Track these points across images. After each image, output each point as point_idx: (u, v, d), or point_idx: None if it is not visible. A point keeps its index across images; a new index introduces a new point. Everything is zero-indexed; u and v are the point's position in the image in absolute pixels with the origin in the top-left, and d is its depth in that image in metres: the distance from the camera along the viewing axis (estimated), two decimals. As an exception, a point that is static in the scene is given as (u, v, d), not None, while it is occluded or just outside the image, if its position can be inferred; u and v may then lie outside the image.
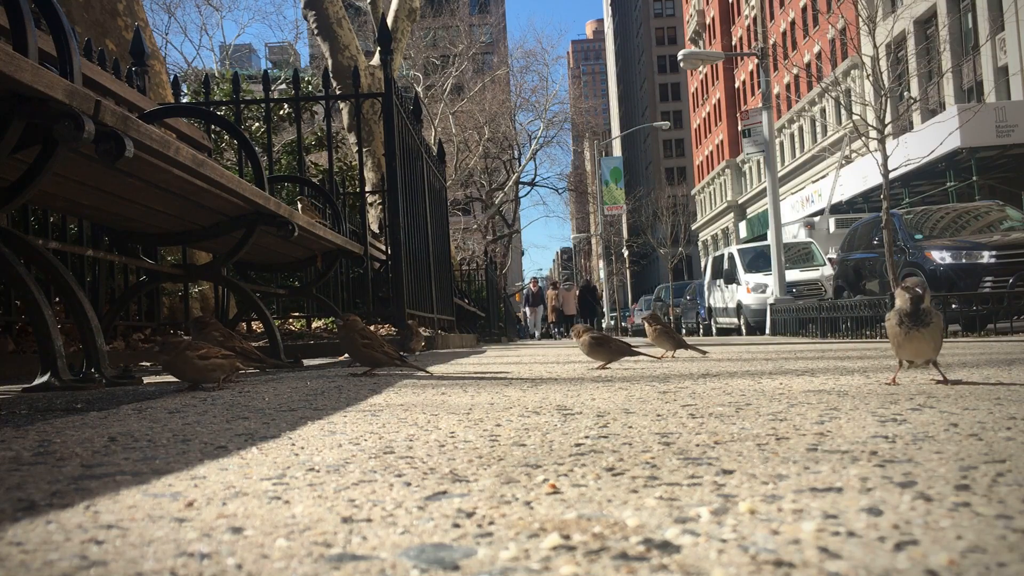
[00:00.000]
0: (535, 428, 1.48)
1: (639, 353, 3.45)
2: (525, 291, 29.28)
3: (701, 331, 22.08)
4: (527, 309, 27.73)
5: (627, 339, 4.70)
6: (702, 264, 36.05)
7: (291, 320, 6.71)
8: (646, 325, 4.17)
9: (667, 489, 0.91)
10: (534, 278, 29.17)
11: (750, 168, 57.67)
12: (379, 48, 7.59)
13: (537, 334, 27.07)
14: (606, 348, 3.31)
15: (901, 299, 2.03)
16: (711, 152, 70.20)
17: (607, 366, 3.36)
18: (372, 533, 0.76)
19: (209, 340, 2.83)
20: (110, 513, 0.85)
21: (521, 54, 53.04)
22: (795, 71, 40.71)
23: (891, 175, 11.11)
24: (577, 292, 27.02)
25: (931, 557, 0.63)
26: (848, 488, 0.88)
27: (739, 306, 17.70)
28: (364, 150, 8.82)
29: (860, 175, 24.77)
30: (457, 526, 0.78)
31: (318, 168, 9.84)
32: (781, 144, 47.64)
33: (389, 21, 13.29)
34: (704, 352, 4.34)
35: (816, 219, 22.63)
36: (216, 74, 22.08)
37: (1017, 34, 25.40)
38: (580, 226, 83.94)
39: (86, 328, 2.52)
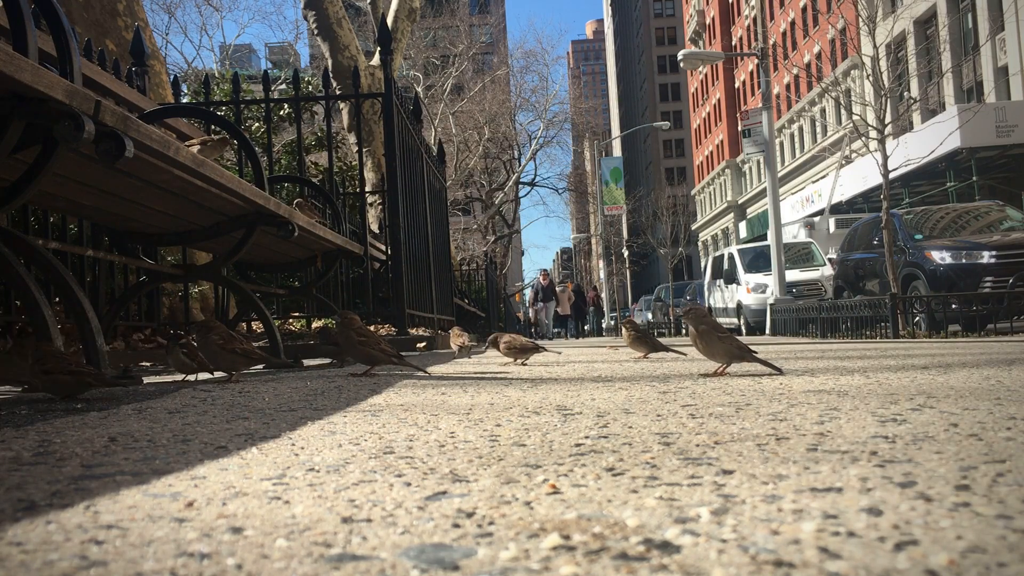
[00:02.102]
0: (535, 428, 1.48)
1: (544, 349, 4.10)
2: (534, 285, 25.24)
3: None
4: (539, 304, 23.98)
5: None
6: (702, 264, 36.09)
7: (291, 320, 6.71)
8: (623, 330, 4.48)
9: (667, 489, 0.91)
10: (543, 270, 25.09)
11: (750, 168, 57.66)
12: (379, 48, 7.59)
13: (551, 333, 24.05)
14: (519, 349, 4.01)
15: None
16: (711, 152, 70.20)
17: (526, 362, 4.01)
18: (372, 533, 0.76)
19: (209, 344, 2.83)
20: (110, 513, 0.85)
21: (521, 54, 53.04)
22: (795, 71, 40.71)
23: (891, 175, 11.10)
24: (572, 293, 26.80)
25: (931, 557, 0.63)
26: (848, 488, 0.88)
27: (739, 306, 17.69)
28: (364, 150, 8.82)
29: (860, 175, 24.77)
30: (457, 526, 0.78)
31: (318, 168, 9.84)
32: (781, 144, 47.64)
33: (389, 21, 13.30)
34: (683, 353, 4.32)
35: (816, 219, 22.62)
36: (216, 74, 22.08)
37: (1017, 34, 25.40)
38: (580, 226, 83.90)
39: (86, 328, 2.52)
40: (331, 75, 11.81)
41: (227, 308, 5.62)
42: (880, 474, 0.95)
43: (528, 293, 31.86)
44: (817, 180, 36.18)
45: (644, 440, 1.30)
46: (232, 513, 0.85)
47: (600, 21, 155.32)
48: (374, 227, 9.91)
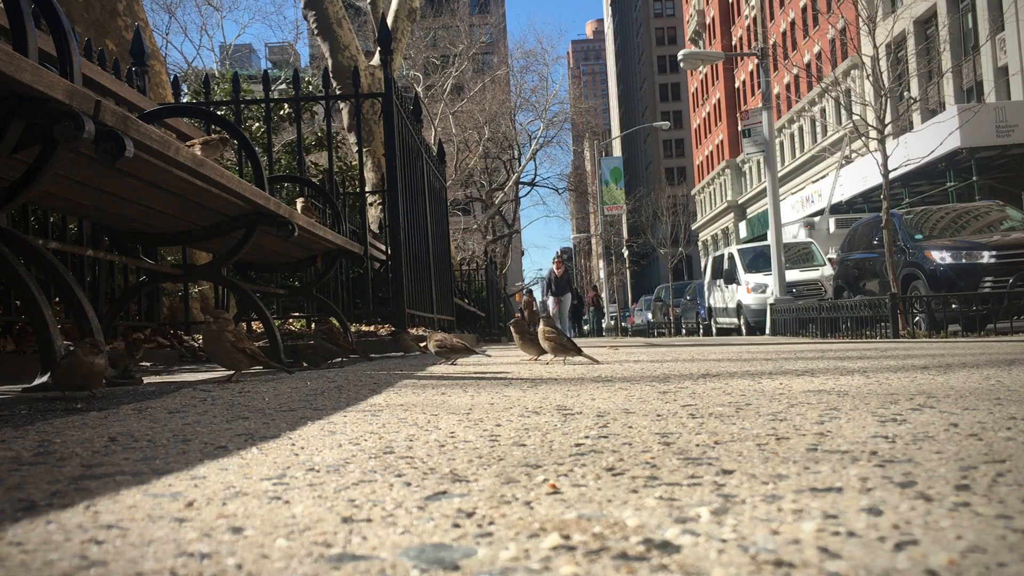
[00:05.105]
0: (535, 428, 1.48)
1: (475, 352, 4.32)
2: (547, 275, 20.96)
3: (701, 331, 22.09)
4: (550, 300, 20.28)
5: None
6: (702, 264, 36.07)
7: (291, 320, 6.71)
8: (512, 330, 4.38)
9: (667, 489, 0.91)
10: (558, 257, 20.72)
11: (750, 168, 57.66)
12: (379, 48, 7.59)
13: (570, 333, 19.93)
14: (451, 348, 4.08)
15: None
16: (711, 152, 70.20)
17: (455, 363, 4.10)
18: (372, 533, 0.76)
19: (222, 340, 2.82)
20: (110, 513, 0.85)
21: (521, 54, 53.06)
22: (795, 71, 40.71)
23: (891, 175, 11.09)
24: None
25: (931, 557, 0.63)
26: (848, 488, 0.88)
27: (739, 306, 17.69)
28: (364, 150, 8.82)
29: (860, 175, 24.77)
30: (457, 526, 0.78)
31: (318, 168, 9.84)
32: (781, 144, 47.63)
33: (389, 21, 13.29)
34: (595, 360, 3.94)
35: (816, 219, 22.63)
36: (216, 74, 22.07)
37: (1017, 34, 25.40)
38: (580, 226, 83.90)
39: (86, 328, 2.52)
40: (331, 75, 11.81)
41: (227, 308, 5.62)
42: (880, 474, 0.95)
43: (525, 295, 30.66)
44: (817, 180, 36.17)
45: (644, 440, 1.30)
46: (232, 513, 0.85)
47: (600, 21, 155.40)
48: (374, 227, 9.91)
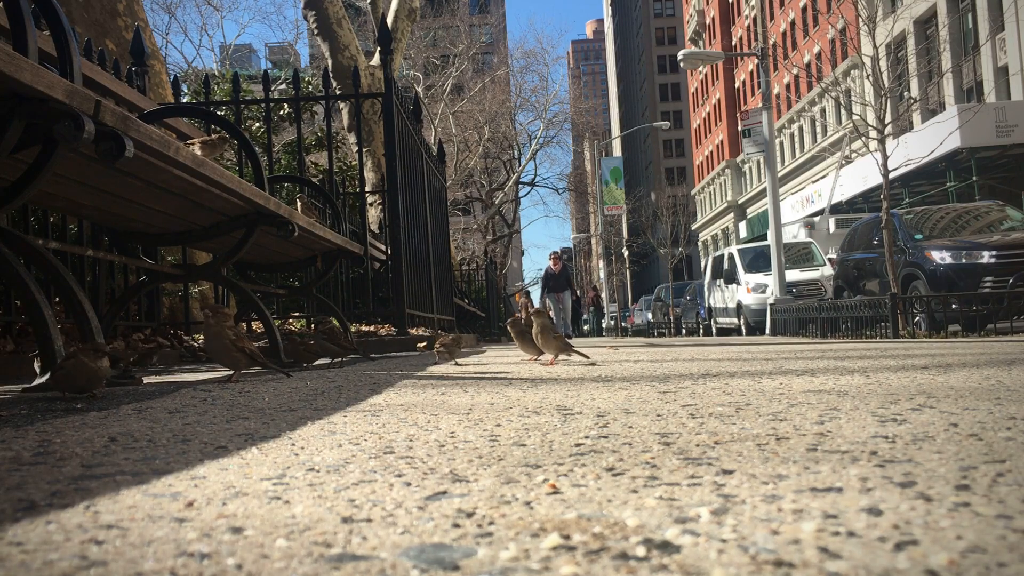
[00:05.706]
0: (535, 428, 1.48)
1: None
2: (546, 271, 19.58)
3: (701, 331, 22.09)
4: (549, 298, 18.92)
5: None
6: (702, 264, 36.07)
7: (291, 320, 6.71)
8: (508, 328, 4.38)
9: (667, 489, 0.91)
10: (554, 253, 19.39)
11: (750, 168, 57.66)
12: (379, 48, 7.60)
13: (569, 331, 18.25)
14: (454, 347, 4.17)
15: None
16: (711, 152, 70.21)
17: (459, 362, 4.18)
18: (372, 533, 0.76)
19: (221, 337, 2.82)
20: (110, 513, 0.85)
21: (521, 54, 53.07)
22: (795, 71, 40.70)
23: (891, 175, 11.09)
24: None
25: (931, 557, 0.63)
26: (848, 488, 0.88)
27: (739, 306, 17.69)
28: (364, 150, 8.82)
29: (860, 175, 24.76)
30: (457, 526, 0.78)
31: (318, 168, 9.84)
32: (781, 144, 47.63)
33: (389, 21, 13.29)
34: (586, 356, 3.98)
35: (816, 219, 22.63)
36: (216, 74, 22.05)
37: (1017, 34, 25.40)
38: (580, 226, 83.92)
39: (86, 328, 2.52)
40: (331, 75, 11.81)
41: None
42: (880, 474, 0.95)
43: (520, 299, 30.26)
44: (817, 180, 36.17)
45: (644, 440, 1.30)
46: (232, 513, 0.85)
47: (600, 21, 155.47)
48: (374, 227, 9.91)
